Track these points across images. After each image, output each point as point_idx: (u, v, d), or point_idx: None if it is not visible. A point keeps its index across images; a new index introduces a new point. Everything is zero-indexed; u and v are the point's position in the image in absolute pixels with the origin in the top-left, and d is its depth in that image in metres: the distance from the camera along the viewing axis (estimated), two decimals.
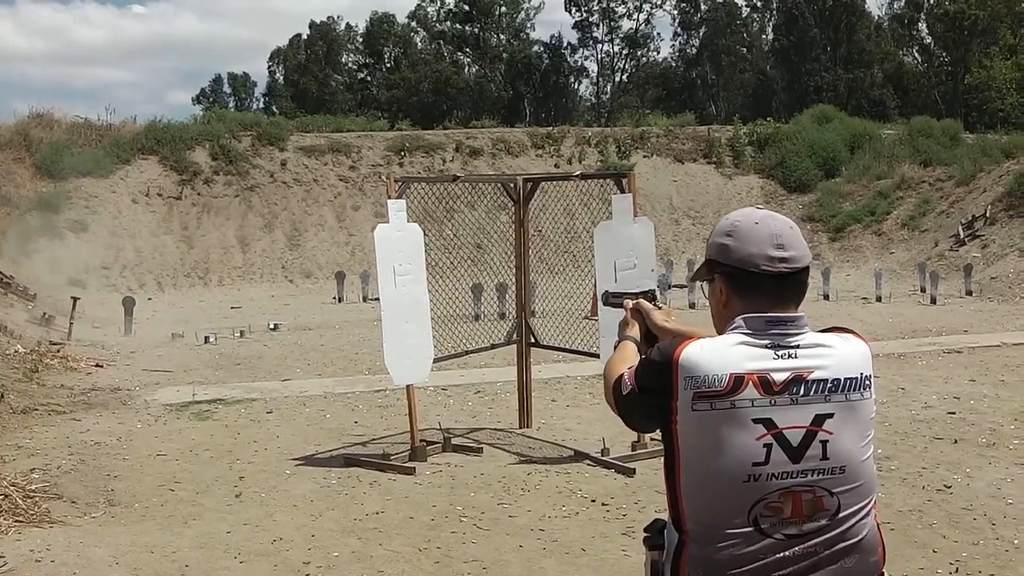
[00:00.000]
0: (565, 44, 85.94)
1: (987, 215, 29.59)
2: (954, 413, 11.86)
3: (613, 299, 3.66)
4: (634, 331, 3.41)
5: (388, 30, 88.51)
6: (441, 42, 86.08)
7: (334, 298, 27.58)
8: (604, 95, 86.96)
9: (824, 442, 2.70)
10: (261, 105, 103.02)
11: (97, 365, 16.83)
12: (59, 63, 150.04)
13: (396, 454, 10.02)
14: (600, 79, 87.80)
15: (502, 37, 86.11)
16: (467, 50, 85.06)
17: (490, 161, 36.00)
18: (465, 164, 35.60)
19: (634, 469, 9.45)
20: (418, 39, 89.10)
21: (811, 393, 2.69)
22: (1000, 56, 51.32)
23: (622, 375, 2.94)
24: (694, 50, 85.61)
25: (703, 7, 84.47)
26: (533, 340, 11.44)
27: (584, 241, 13.86)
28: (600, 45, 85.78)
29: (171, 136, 34.30)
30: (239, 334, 20.27)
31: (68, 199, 30.13)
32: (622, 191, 10.17)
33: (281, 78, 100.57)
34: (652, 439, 10.30)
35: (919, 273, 26.08)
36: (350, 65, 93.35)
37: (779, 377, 2.68)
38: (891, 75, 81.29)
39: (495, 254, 17.02)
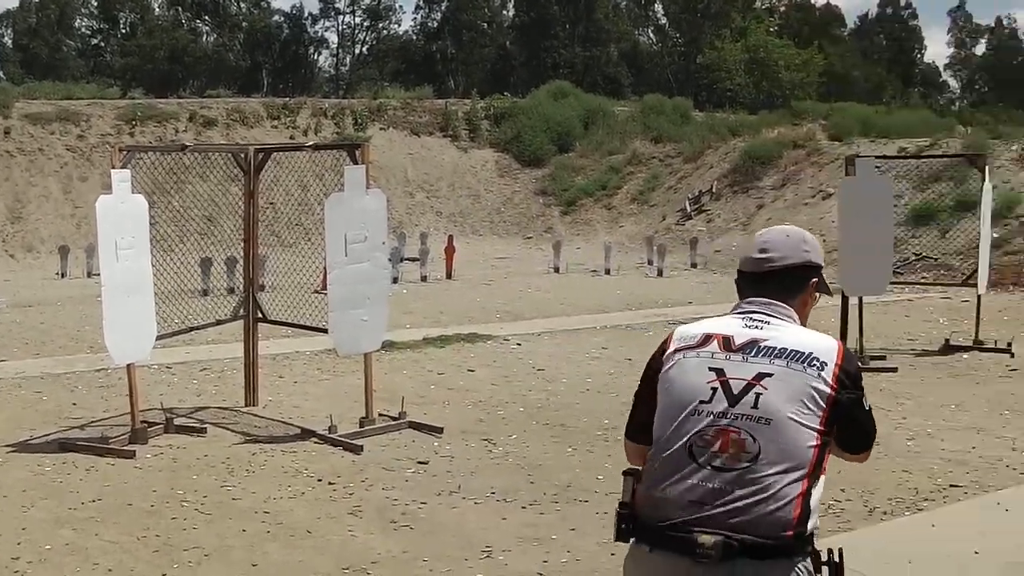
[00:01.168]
0: (306, 15, 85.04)
1: (713, 191, 30.77)
2: None
3: None
4: None
5: None
6: (179, 9, 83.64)
7: (57, 273, 26.51)
8: (344, 67, 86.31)
9: (758, 394, 3.11)
10: None
11: None
12: None
13: (115, 437, 9.59)
14: (340, 51, 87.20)
15: (242, 6, 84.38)
16: (206, 18, 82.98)
17: (224, 132, 35.22)
18: (199, 134, 34.71)
19: (362, 446, 9.35)
20: (156, 5, 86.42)
21: (760, 356, 3.17)
22: (731, 39, 53.31)
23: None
24: (435, 24, 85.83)
25: None
26: (261, 315, 11.21)
27: (317, 214, 13.75)
28: (342, 16, 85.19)
29: None
30: None
31: None
32: (355, 163, 10.03)
33: (9, 42, 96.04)
34: (381, 414, 10.33)
35: (647, 246, 26.91)
36: (83, 30, 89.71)
37: (739, 340, 3.21)
38: (626, 54, 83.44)
39: (226, 227, 16.62)
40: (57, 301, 20.93)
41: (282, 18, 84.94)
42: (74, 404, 11.49)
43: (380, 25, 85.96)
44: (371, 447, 9.45)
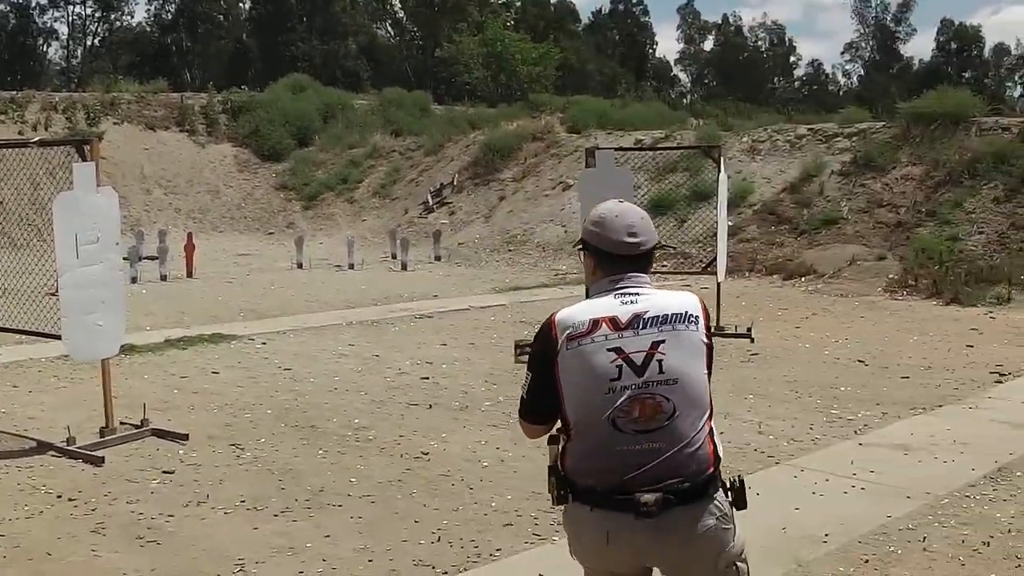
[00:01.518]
0: (34, 4, 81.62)
1: (454, 183, 30.93)
2: (428, 378, 12.25)
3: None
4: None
5: None
6: None
7: None
8: (75, 59, 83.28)
9: (660, 360, 3.49)
10: None
11: None
12: None
13: None
14: (71, 42, 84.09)
15: None
16: None
17: None
18: None
19: (103, 458, 8.94)
20: None
21: (648, 327, 3.53)
22: (468, 32, 53.69)
23: (520, 399, 3.78)
24: (170, 16, 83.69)
25: None
26: None
27: (50, 213, 13.18)
28: (72, 7, 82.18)
29: None
30: None
31: None
32: (84, 159, 9.59)
33: None
34: (122, 423, 9.94)
35: (390, 240, 26.83)
36: None
37: (624, 318, 3.53)
38: (365, 47, 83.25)
39: None
40: None
41: (7, 7, 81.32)
42: None
43: (112, 16, 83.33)
44: (113, 458, 9.05)
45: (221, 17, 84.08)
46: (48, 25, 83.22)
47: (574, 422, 3.53)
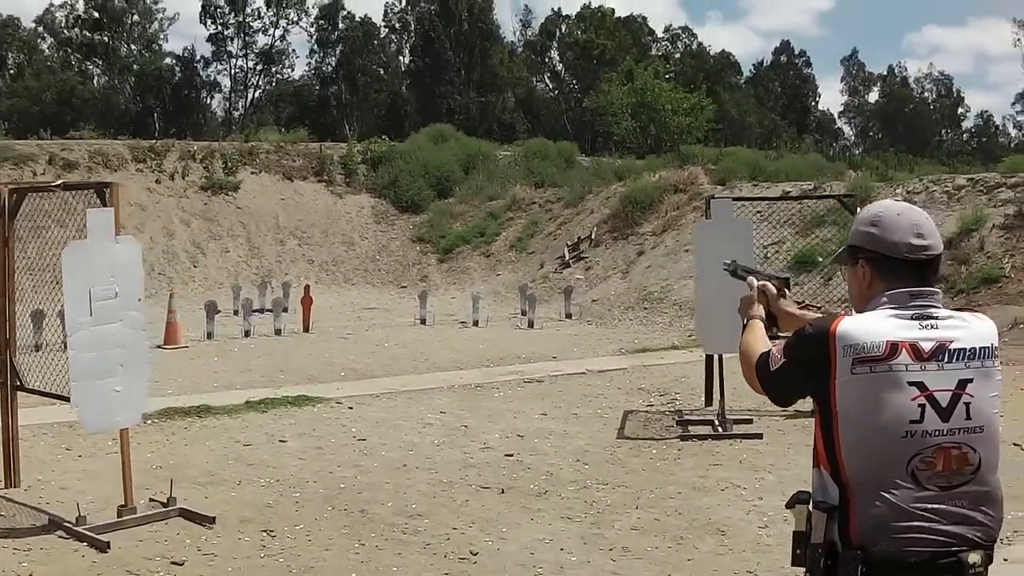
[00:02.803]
0: (198, 57, 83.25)
1: (592, 237, 29.56)
2: (512, 455, 10.87)
3: (741, 271, 3.99)
4: (759, 311, 3.80)
5: (12, 35, 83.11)
6: (68, 49, 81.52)
7: None
8: (237, 111, 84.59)
9: (967, 404, 3.05)
10: None
11: None
12: None
13: None
14: (233, 94, 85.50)
15: (133, 48, 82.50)
16: (96, 59, 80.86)
17: (86, 175, 33.29)
18: (58, 177, 32.75)
19: (108, 543, 7.82)
20: (45, 46, 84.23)
21: (954, 360, 3.06)
22: (618, 82, 52.46)
23: (768, 353, 3.34)
24: (330, 68, 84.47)
25: (341, 25, 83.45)
26: (19, 383, 9.61)
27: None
28: (234, 60, 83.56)
29: None
30: None
31: None
32: (104, 205, 8.53)
33: None
34: (152, 500, 8.84)
35: (520, 296, 25.54)
36: None
37: (926, 346, 3.04)
38: (523, 100, 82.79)
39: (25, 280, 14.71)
40: None
41: (174, 61, 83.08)
42: None
43: (273, 69, 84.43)
44: (124, 542, 7.96)
45: (380, 70, 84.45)
46: (211, 78, 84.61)
47: (857, 478, 3.04)
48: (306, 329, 22.53)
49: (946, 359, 3.06)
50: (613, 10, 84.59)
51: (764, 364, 3.34)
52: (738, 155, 34.70)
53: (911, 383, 3.02)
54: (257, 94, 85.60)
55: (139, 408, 8.61)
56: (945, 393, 3.04)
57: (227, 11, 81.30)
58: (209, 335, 21.04)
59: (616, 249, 28.51)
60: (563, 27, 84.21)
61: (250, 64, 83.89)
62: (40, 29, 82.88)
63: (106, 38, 79.77)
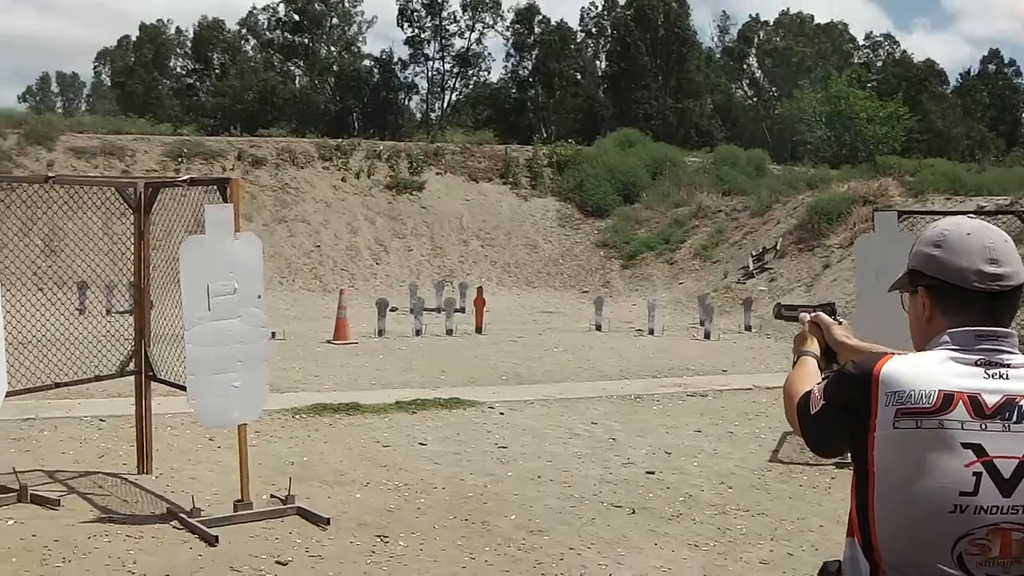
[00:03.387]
0: (396, 59, 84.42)
1: (777, 247, 28.68)
2: (653, 473, 10.29)
3: (787, 312, 3.60)
4: (813, 346, 3.30)
5: (217, 36, 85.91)
6: (270, 51, 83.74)
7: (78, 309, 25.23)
8: (434, 113, 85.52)
9: None
10: (85, 107, 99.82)
11: None
12: None
13: None
14: (430, 96, 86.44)
15: (332, 49, 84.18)
16: (296, 60, 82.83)
17: (273, 171, 34.02)
18: (247, 173, 33.52)
19: (217, 537, 7.61)
20: (248, 47, 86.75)
21: None
22: (811, 90, 51.12)
23: (810, 392, 2.75)
24: (526, 72, 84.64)
25: (537, 30, 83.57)
26: (152, 373, 9.52)
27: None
28: (431, 62, 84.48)
29: None
30: None
31: None
32: (225, 200, 8.31)
33: (108, 80, 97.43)
34: (273, 496, 8.64)
35: (700, 305, 24.86)
36: (178, 70, 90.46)
37: (991, 399, 2.45)
38: (720, 106, 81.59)
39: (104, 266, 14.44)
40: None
41: (372, 63, 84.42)
42: None
43: (470, 72, 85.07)
44: (234, 537, 7.75)
45: (577, 75, 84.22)
46: (409, 80, 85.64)
47: (892, 557, 2.50)
48: (478, 330, 22.34)
49: (1015, 418, 2.44)
50: (812, 16, 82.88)
51: (804, 405, 2.75)
52: (937, 167, 33.37)
53: (966, 445, 2.43)
54: (454, 96, 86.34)
55: (258, 404, 8.40)
56: (1010, 461, 2.43)
57: (424, 15, 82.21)
58: (380, 332, 21.04)
59: (801, 261, 27.61)
60: (761, 33, 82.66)
61: (446, 67, 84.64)
62: (243, 31, 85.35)
63: (306, 40, 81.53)
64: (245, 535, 7.83)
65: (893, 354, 2.60)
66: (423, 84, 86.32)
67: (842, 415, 2.59)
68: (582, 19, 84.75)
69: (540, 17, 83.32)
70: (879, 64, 78.87)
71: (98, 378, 9.76)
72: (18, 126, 33.22)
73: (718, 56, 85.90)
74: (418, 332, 21.30)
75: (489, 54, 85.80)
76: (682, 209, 34.50)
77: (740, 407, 14.21)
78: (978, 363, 2.50)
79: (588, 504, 9.05)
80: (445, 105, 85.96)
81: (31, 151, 32.00)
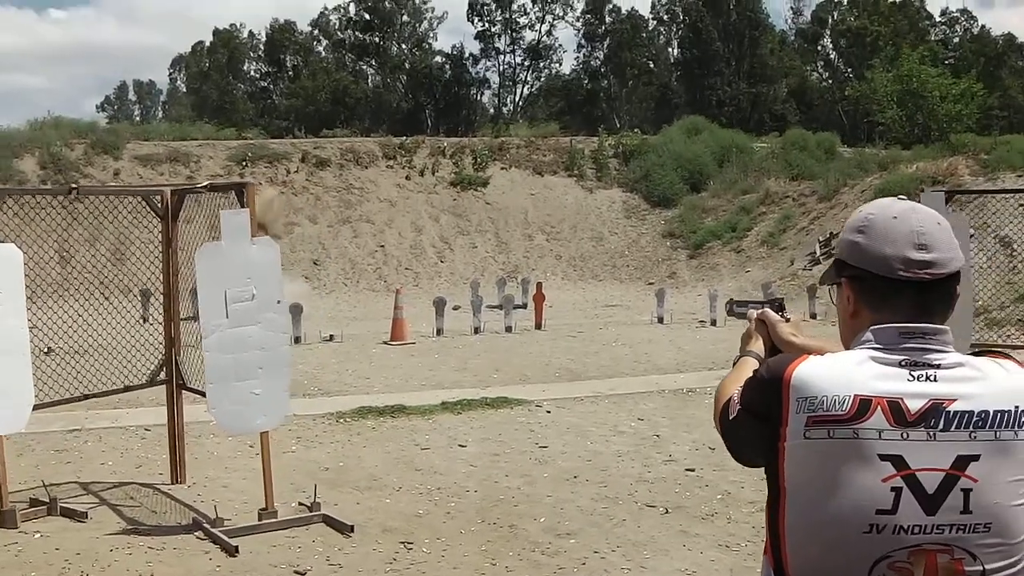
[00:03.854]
0: (467, 55, 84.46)
1: None
2: (692, 471, 10.11)
3: (738, 309, 3.40)
4: (757, 345, 2.95)
5: (289, 38, 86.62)
6: (342, 50, 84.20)
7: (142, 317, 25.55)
8: (506, 107, 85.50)
9: (967, 491, 2.18)
10: (162, 114, 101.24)
11: None
12: None
13: None
14: (502, 90, 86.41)
15: (404, 47, 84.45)
16: (367, 59, 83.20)
17: (337, 172, 34.19)
18: (311, 175, 33.77)
19: (237, 547, 7.59)
20: (320, 48, 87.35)
21: (952, 428, 2.19)
22: (881, 69, 50.24)
23: (731, 397, 2.48)
24: (598, 62, 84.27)
25: (608, 20, 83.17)
26: (183, 382, 9.55)
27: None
28: (502, 56, 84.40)
29: None
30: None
31: None
32: (242, 206, 8.28)
33: (183, 86, 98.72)
34: (300, 503, 8.62)
35: (763, 294, 24.53)
36: (252, 74, 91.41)
37: (914, 405, 2.19)
38: (795, 90, 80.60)
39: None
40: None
41: (443, 59, 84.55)
42: None
43: (541, 64, 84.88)
44: (256, 546, 7.74)
45: (650, 63, 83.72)
46: (480, 75, 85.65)
47: (803, 571, 2.27)
48: (538, 326, 22.21)
49: (941, 425, 2.18)
50: None
51: (725, 409, 2.49)
52: (1013, 144, 32.50)
53: (884, 456, 2.18)
54: (526, 90, 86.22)
55: (281, 411, 8.37)
56: (934, 474, 2.18)
57: (494, 8, 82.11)
58: (438, 332, 21.00)
59: None
60: (835, 14, 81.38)
61: (518, 60, 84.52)
62: (315, 32, 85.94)
63: (377, 38, 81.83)
64: (268, 544, 7.81)
65: (810, 354, 2.35)
66: (495, 78, 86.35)
67: (755, 423, 2.34)
68: (653, 6, 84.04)
69: (611, 6, 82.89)
70: (955, 40, 77.38)
71: (127, 388, 9.80)
72: (85, 136, 33.70)
73: (792, 39, 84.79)
74: (476, 330, 21.24)
75: (560, 46, 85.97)
76: (749, 196, 34.11)
77: None
78: (902, 364, 2.24)
79: (621, 505, 8.91)
80: (517, 99, 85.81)
81: (98, 161, 32.46)
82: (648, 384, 15.21)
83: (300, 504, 8.65)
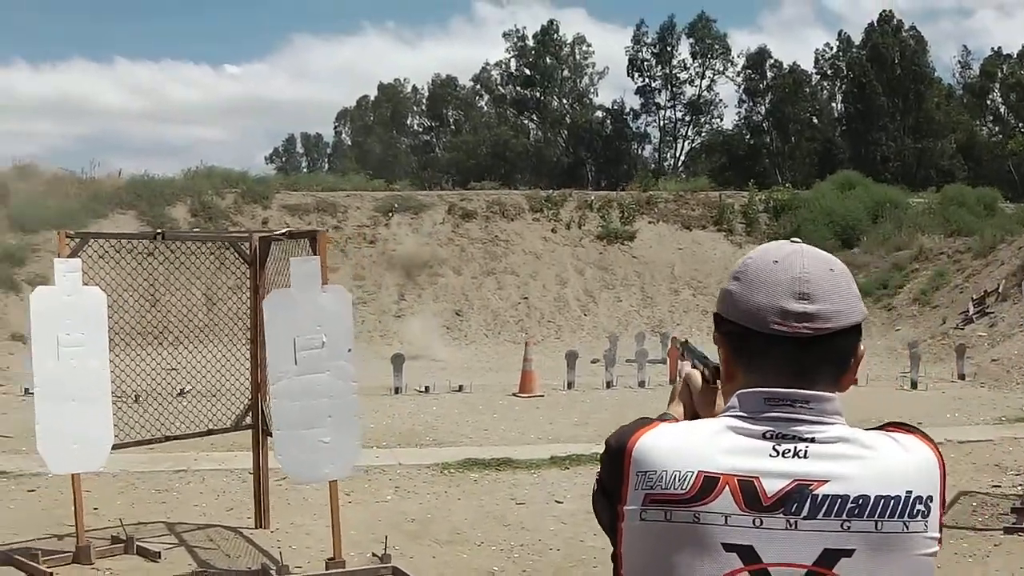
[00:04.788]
0: (627, 110, 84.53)
1: (999, 290, 27.15)
2: None
3: (688, 353, 2.71)
4: (677, 410, 2.35)
5: (451, 93, 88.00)
6: (503, 105, 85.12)
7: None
8: (666, 161, 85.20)
9: None
10: (328, 166, 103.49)
11: None
12: (154, 120, 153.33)
13: (58, 553, 8.31)
14: (662, 145, 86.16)
15: (564, 101, 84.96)
16: (528, 114, 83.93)
17: (483, 224, 34.33)
18: (456, 227, 33.98)
19: None
20: (482, 102, 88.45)
21: (820, 515, 1.76)
22: None
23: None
24: (759, 117, 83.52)
25: (769, 74, 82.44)
26: (268, 428, 9.52)
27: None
28: (663, 111, 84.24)
29: (152, 191, 33.18)
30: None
31: (35, 252, 29.02)
32: (314, 252, 8.24)
33: (348, 139, 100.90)
34: (374, 554, 8.48)
35: (909, 353, 23.69)
36: (415, 127, 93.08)
37: (772, 485, 1.77)
38: (963, 145, 78.64)
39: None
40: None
41: (604, 114, 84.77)
42: (95, 509, 10.18)
43: (701, 119, 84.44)
44: None
45: (812, 118, 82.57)
46: (641, 129, 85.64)
47: None
48: (671, 381, 21.78)
49: (805, 511, 1.77)
50: None
51: (597, 480, 2.06)
52: None
53: (729, 547, 1.78)
54: (686, 144, 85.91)
55: (349, 460, 8.26)
56: (793, 571, 1.77)
57: (654, 64, 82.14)
58: (569, 385, 20.80)
59: None
60: (1004, 67, 79.25)
61: (678, 115, 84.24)
62: (477, 87, 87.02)
63: (538, 93, 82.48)
64: None
65: (662, 421, 1.97)
66: (655, 133, 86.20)
67: (603, 499, 1.96)
68: (816, 61, 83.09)
69: (772, 61, 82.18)
70: None
71: (210, 432, 9.84)
72: (236, 185, 34.60)
73: (959, 92, 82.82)
74: (609, 384, 20.97)
75: (720, 100, 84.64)
76: (902, 252, 33.13)
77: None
78: (766, 436, 1.83)
79: None
80: (678, 153, 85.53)
81: (247, 209, 33.21)
82: None
83: (374, 555, 8.50)
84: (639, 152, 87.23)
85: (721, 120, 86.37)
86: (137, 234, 11.55)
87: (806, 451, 1.80)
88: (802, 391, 1.85)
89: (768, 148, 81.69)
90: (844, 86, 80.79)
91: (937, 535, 1.80)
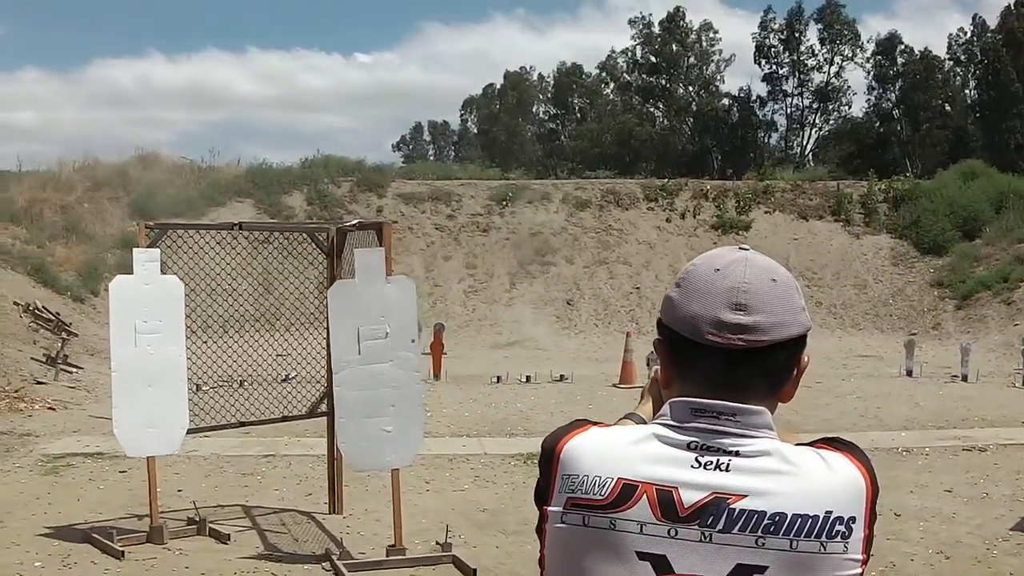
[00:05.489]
0: (754, 97, 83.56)
1: None
2: None
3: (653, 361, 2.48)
4: (645, 408, 2.30)
5: (576, 81, 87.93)
6: (628, 93, 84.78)
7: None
8: (792, 150, 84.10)
9: None
10: (454, 153, 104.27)
11: (50, 408, 16.08)
12: (285, 108, 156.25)
13: (133, 532, 8.63)
14: (789, 133, 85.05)
15: (691, 89, 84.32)
16: (654, 102, 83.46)
17: (597, 213, 34.28)
18: (571, 215, 34.00)
19: None
20: (608, 90, 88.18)
21: (735, 529, 1.76)
22: None
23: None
24: (889, 104, 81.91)
25: (900, 60, 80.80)
26: None
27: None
28: (790, 99, 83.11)
29: (269, 180, 33.78)
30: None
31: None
32: (380, 243, 8.39)
33: (474, 127, 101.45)
34: (438, 542, 8.63)
35: (1021, 348, 23.14)
36: (540, 115, 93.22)
37: (690, 496, 1.78)
38: None
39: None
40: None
41: (730, 101, 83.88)
42: (179, 491, 10.55)
43: (829, 107, 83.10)
44: None
45: (945, 105, 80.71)
46: (768, 117, 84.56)
47: None
48: None
49: (721, 525, 1.76)
50: None
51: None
52: None
53: (643, 555, 1.78)
54: (814, 132, 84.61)
55: (412, 449, 8.42)
56: None
57: (781, 50, 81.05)
58: None
59: None
60: None
61: (806, 102, 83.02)
62: (602, 74, 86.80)
63: (664, 81, 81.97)
64: None
65: (593, 425, 1.97)
66: (782, 121, 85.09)
67: (536, 500, 1.97)
68: (949, 47, 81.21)
69: (903, 47, 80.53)
70: None
71: (285, 418, 10.07)
72: (351, 174, 35.06)
73: None
74: None
75: (849, 88, 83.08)
76: None
77: (1016, 465, 13.03)
78: (691, 446, 1.83)
79: None
80: (805, 141, 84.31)
81: (362, 198, 33.66)
82: (861, 441, 14.36)
83: (437, 544, 8.64)
84: (766, 140, 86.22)
85: (849, 107, 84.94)
86: (216, 224, 11.79)
87: (728, 464, 1.80)
88: (730, 403, 1.84)
89: (898, 136, 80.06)
90: (978, 72, 78.82)
91: (859, 556, 1.77)
